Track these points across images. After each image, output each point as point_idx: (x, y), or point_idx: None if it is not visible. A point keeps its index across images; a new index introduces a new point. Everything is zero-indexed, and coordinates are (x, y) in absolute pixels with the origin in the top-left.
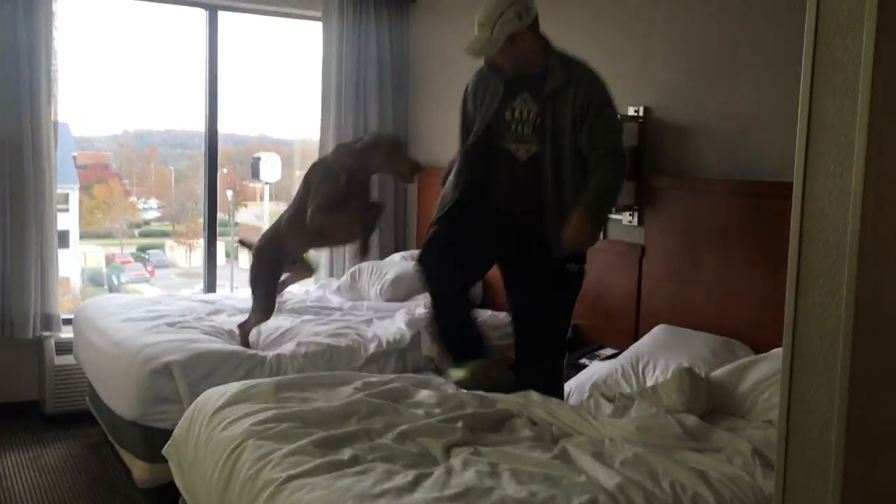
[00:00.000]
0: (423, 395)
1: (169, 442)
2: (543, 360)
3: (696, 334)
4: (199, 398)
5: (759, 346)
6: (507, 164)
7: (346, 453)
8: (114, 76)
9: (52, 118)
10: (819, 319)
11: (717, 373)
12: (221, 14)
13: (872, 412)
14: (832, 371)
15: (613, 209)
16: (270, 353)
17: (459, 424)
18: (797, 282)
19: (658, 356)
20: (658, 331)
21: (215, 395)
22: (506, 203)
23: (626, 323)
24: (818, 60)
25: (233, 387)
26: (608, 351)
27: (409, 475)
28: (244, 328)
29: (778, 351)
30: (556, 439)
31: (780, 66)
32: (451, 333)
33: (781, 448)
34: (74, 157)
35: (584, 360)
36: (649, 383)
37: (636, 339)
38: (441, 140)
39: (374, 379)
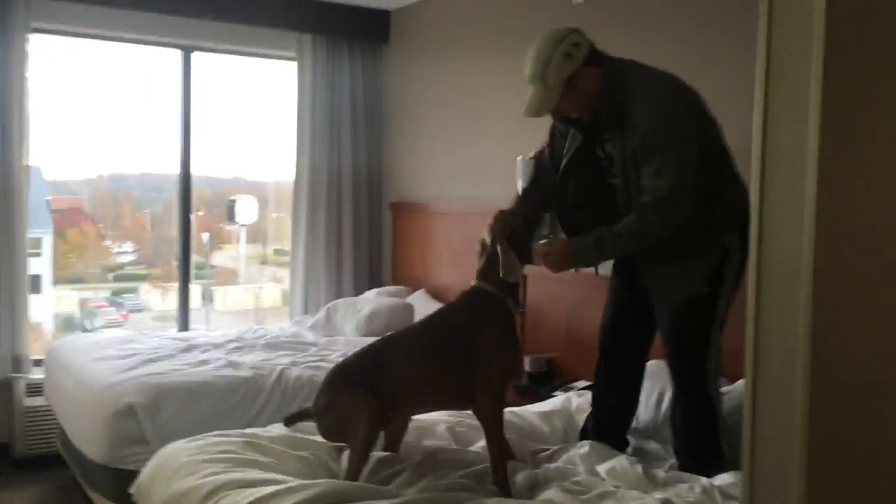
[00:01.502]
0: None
1: (135, 486)
2: None
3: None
4: (163, 451)
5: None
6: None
7: (318, 494)
8: (88, 119)
9: (24, 161)
10: (778, 337)
11: None
12: (196, 55)
13: (833, 423)
14: (793, 387)
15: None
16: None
17: None
18: (757, 300)
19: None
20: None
21: (183, 450)
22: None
23: None
24: (770, 87)
25: (199, 443)
26: (583, 383)
27: None
28: None
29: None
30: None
31: (734, 92)
32: None
33: (748, 465)
34: (48, 201)
35: (557, 393)
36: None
37: None
38: (415, 178)
39: None
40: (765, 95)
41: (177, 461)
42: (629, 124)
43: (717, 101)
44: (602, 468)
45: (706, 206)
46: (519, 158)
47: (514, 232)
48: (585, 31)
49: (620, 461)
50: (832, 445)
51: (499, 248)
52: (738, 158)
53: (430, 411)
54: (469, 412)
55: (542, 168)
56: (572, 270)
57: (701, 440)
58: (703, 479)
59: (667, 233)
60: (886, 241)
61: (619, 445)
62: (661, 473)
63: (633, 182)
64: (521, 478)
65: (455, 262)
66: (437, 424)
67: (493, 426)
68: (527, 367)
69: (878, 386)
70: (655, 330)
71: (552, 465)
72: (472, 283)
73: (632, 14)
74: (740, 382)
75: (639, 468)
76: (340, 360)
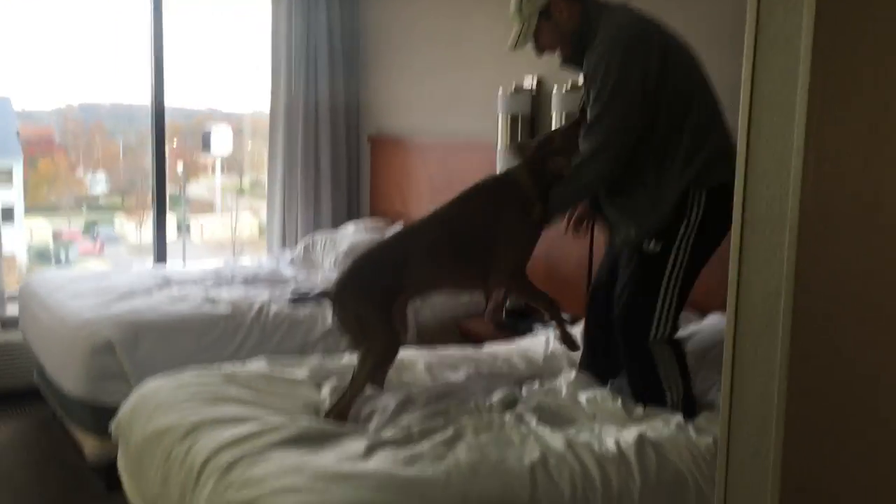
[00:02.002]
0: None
1: (114, 424)
2: None
3: None
4: (143, 389)
5: (702, 307)
6: None
7: (298, 433)
8: (57, 48)
9: None
10: (761, 280)
11: None
12: None
13: (812, 367)
14: (774, 331)
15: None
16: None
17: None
18: (741, 242)
19: None
20: None
21: (162, 387)
22: None
23: (579, 290)
24: (760, 29)
25: (178, 380)
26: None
27: (363, 446)
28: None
29: (714, 318)
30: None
31: (723, 36)
32: None
33: (726, 405)
34: (17, 132)
35: (536, 325)
36: None
37: None
38: (394, 110)
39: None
40: (754, 41)
41: (156, 398)
42: (586, 56)
43: (707, 48)
44: (583, 396)
45: (657, 159)
46: (500, 92)
47: (540, 162)
48: None
49: (601, 392)
50: (812, 386)
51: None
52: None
53: (447, 291)
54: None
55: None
56: None
57: (645, 387)
58: (678, 416)
59: (603, 183)
60: (870, 186)
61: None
62: (638, 409)
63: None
64: (500, 395)
65: (434, 196)
66: (415, 363)
67: (522, 295)
68: (506, 303)
69: (860, 328)
70: None
71: (535, 387)
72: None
73: None
74: (710, 319)
75: (618, 402)
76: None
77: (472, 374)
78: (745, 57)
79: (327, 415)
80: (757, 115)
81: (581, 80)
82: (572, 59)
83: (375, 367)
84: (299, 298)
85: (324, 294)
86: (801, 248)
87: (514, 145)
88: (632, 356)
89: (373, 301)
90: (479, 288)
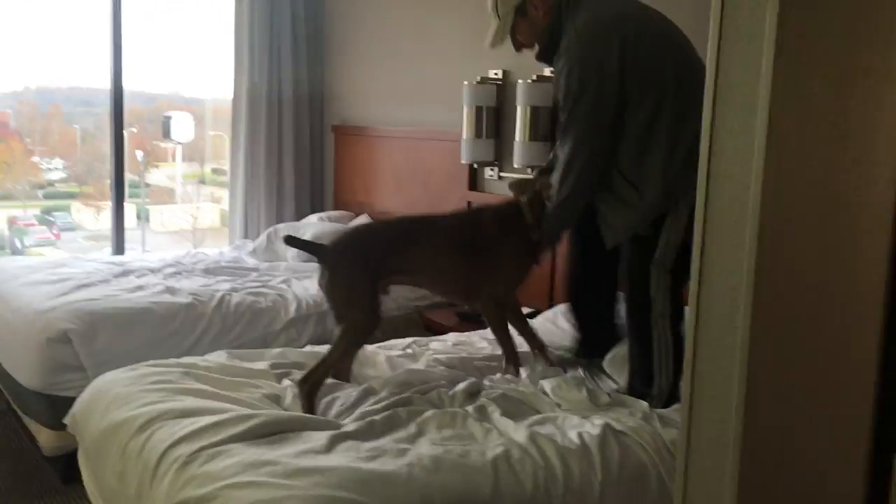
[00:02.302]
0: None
1: (69, 418)
2: None
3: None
4: (99, 381)
5: None
6: None
7: (258, 425)
8: (13, 30)
9: None
10: (723, 274)
11: None
12: None
13: (772, 361)
14: (735, 324)
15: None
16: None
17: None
18: (703, 235)
19: None
20: None
21: (118, 380)
22: None
23: (542, 281)
24: (725, 23)
25: (135, 372)
26: (525, 310)
27: (324, 440)
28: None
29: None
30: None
31: (690, 28)
32: None
33: (688, 399)
34: None
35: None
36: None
37: (552, 296)
38: (358, 100)
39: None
40: (718, 30)
41: (111, 391)
42: (554, 61)
43: None
44: (547, 384)
45: (639, 150)
46: (465, 83)
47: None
48: None
49: (566, 380)
50: (771, 380)
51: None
52: None
53: (437, 296)
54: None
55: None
56: None
57: (641, 366)
58: (644, 405)
59: (588, 188)
60: (834, 181)
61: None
62: (603, 397)
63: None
64: (463, 386)
65: (399, 187)
66: (376, 355)
67: (497, 326)
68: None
69: (819, 323)
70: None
71: (497, 376)
72: (517, 197)
73: None
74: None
75: (583, 390)
76: (281, 285)
77: (435, 365)
78: (708, 57)
79: (301, 383)
80: (720, 110)
81: (547, 71)
82: (544, 56)
83: (352, 344)
84: (295, 241)
85: (319, 248)
86: (761, 241)
87: (515, 182)
88: (632, 332)
89: (367, 273)
90: (463, 299)
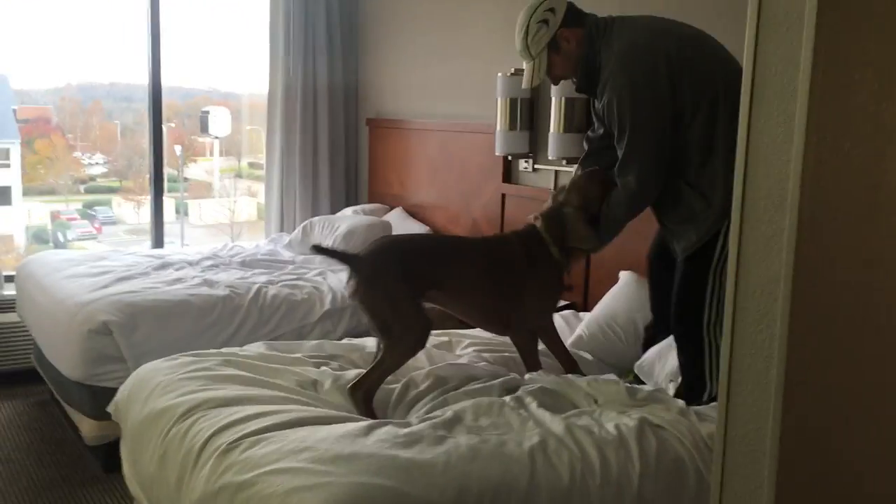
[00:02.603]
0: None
1: (112, 406)
2: None
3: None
4: (140, 371)
5: None
6: None
7: (299, 412)
8: (55, 27)
9: None
10: (761, 266)
11: None
12: None
13: (811, 355)
14: (773, 317)
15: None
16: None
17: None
18: (740, 227)
19: (635, 316)
20: (625, 280)
21: (160, 369)
22: None
23: (577, 273)
24: (763, 10)
25: (175, 362)
26: (560, 303)
27: (362, 426)
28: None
29: None
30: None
31: (727, 16)
32: None
33: (724, 392)
34: (14, 111)
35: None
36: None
37: (587, 289)
38: (392, 93)
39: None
40: (756, 18)
41: (153, 380)
42: (598, 91)
43: (713, 28)
44: (583, 380)
45: (700, 160)
46: (499, 75)
47: (590, 199)
48: None
49: (604, 376)
50: (809, 376)
51: (574, 219)
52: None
53: (469, 322)
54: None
55: (592, 143)
56: None
57: (691, 373)
58: (680, 402)
59: (640, 213)
60: (876, 175)
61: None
62: (640, 391)
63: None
64: (502, 380)
65: (433, 180)
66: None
67: (529, 354)
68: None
69: (858, 322)
70: None
71: (534, 373)
72: (532, 221)
73: None
74: None
75: (621, 384)
76: (316, 278)
77: (475, 358)
78: (746, 44)
79: (353, 390)
80: (757, 103)
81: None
82: (581, 86)
83: (406, 355)
84: (322, 250)
85: (352, 259)
86: (800, 234)
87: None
88: (682, 345)
89: (408, 285)
90: (498, 328)
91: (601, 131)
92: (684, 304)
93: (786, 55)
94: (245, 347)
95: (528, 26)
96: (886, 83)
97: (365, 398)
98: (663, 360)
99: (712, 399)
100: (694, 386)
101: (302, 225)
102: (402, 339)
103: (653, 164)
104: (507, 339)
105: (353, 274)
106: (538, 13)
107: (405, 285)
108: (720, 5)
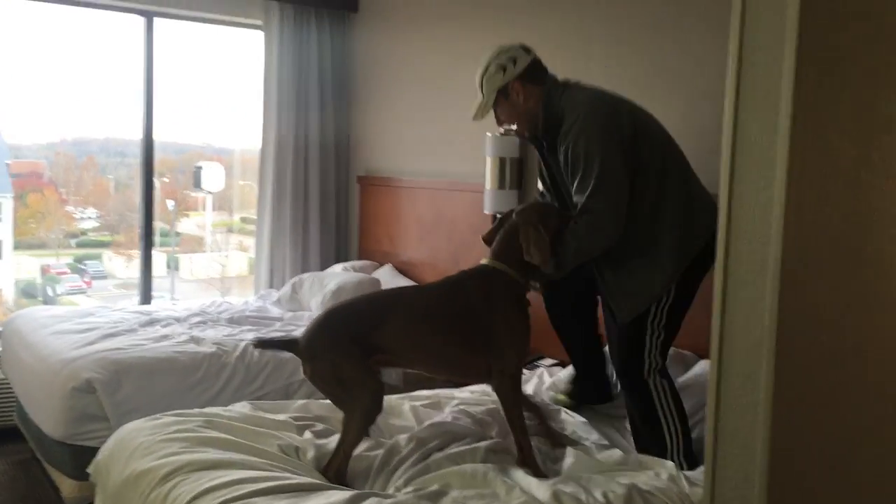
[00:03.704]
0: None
1: (92, 466)
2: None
3: None
4: (122, 431)
5: (703, 353)
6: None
7: (281, 480)
8: (50, 83)
9: None
10: (744, 329)
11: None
12: (158, 21)
13: (796, 419)
14: (756, 381)
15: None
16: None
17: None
18: (724, 292)
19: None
20: None
21: (142, 429)
22: None
23: None
24: (742, 78)
25: (157, 422)
26: (548, 361)
27: (346, 496)
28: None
29: (705, 362)
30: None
31: (710, 82)
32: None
33: (710, 457)
34: (8, 165)
35: (524, 370)
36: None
37: None
38: (383, 151)
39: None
40: (736, 89)
41: (134, 441)
42: (560, 138)
43: (693, 97)
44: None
45: (648, 229)
46: (488, 134)
47: (547, 221)
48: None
49: (592, 438)
50: (795, 440)
51: (531, 231)
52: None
53: (441, 377)
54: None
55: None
56: None
57: (645, 429)
58: (670, 465)
59: (603, 249)
60: (853, 235)
61: (602, 393)
62: (632, 456)
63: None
64: (487, 444)
65: (422, 238)
66: (402, 404)
67: (512, 406)
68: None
69: (844, 379)
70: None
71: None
72: (483, 261)
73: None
74: (700, 365)
75: (613, 451)
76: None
77: (461, 417)
78: (725, 113)
79: (324, 473)
80: (739, 165)
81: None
82: (531, 138)
83: (364, 424)
84: (265, 343)
85: (290, 343)
86: (783, 297)
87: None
88: (630, 394)
89: (348, 350)
90: (472, 377)
91: (548, 197)
92: (627, 361)
93: (764, 124)
94: (230, 407)
95: (488, 66)
96: (864, 149)
97: (337, 477)
98: None
99: (683, 447)
100: (649, 431)
101: (291, 281)
102: (354, 409)
103: (620, 197)
104: (492, 397)
105: (299, 356)
106: (500, 58)
107: (349, 353)
108: (710, 75)
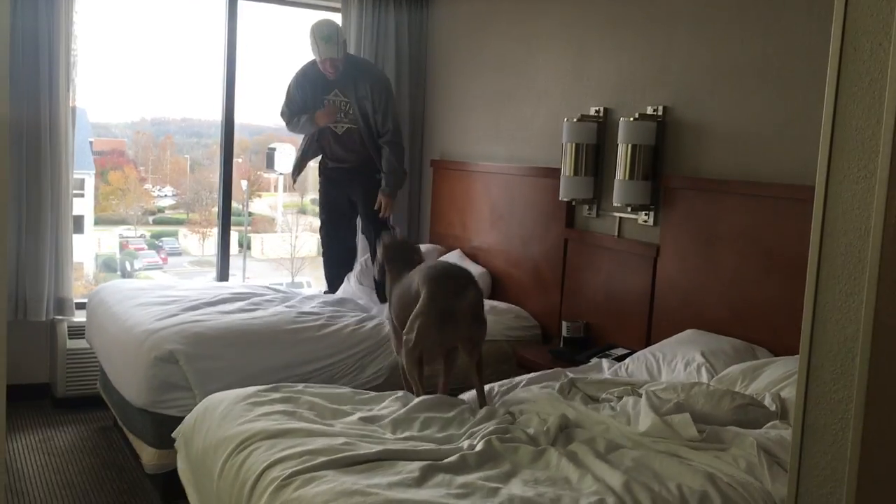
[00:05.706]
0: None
1: (177, 432)
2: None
3: (721, 338)
4: (208, 400)
5: (780, 353)
6: (332, 134)
7: (355, 451)
8: (132, 63)
9: (71, 104)
10: (838, 324)
11: (731, 369)
12: (241, 3)
13: (890, 418)
14: (850, 377)
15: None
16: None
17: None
18: (816, 284)
19: (678, 350)
20: (686, 333)
21: (225, 399)
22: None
23: (639, 323)
24: (844, 63)
25: (242, 394)
26: (620, 351)
27: (417, 472)
28: None
29: (796, 357)
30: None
31: (802, 70)
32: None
33: (796, 453)
34: (91, 143)
35: (594, 360)
36: (665, 373)
37: (649, 339)
38: (457, 136)
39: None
40: (837, 75)
41: (217, 410)
42: (360, 87)
43: (790, 84)
44: (646, 421)
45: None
46: (565, 120)
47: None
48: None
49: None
50: (887, 438)
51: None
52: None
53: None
54: None
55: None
56: None
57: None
58: (750, 441)
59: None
60: None
61: None
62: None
63: (367, 126)
64: (555, 420)
65: (494, 224)
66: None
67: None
68: (564, 332)
69: None
70: None
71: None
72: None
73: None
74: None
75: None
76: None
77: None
78: (826, 98)
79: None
80: (837, 158)
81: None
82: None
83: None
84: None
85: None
86: (880, 292)
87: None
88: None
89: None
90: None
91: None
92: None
93: (868, 109)
94: (309, 383)
95: (344, 40)
96: None
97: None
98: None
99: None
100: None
101: (360, 261)
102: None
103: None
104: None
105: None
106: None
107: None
108: (798, 65)
